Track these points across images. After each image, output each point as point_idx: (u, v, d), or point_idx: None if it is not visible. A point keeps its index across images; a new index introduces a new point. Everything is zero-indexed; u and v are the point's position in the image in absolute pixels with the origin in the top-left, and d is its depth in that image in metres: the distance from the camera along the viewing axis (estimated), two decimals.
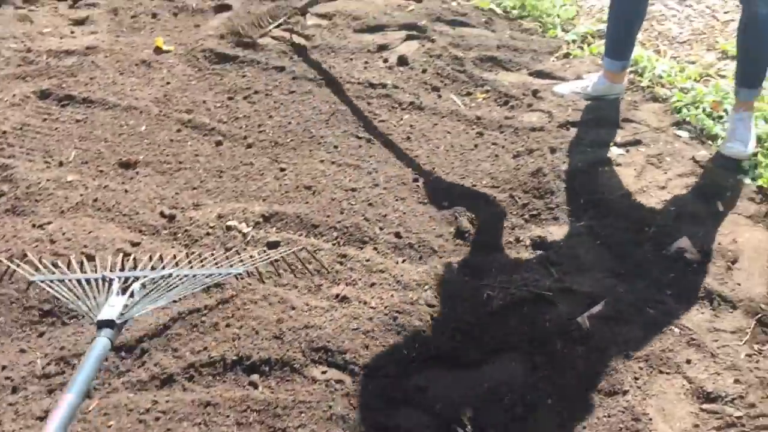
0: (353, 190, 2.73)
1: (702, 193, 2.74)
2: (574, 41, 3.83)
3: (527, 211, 2.67)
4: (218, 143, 3.01)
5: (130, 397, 1.94)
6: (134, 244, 2.41)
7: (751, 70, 2.87)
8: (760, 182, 2.76)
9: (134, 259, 2.16)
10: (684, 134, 3.08)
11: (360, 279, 2.34)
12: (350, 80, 3.44)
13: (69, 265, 1.94)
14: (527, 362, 2.07)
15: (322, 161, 2.89)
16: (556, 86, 3.40)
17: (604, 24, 3.83)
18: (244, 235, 2.49)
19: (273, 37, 3.78)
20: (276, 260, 2.17)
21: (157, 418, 1.88)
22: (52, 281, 1.79)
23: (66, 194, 2.66)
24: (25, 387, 1.98)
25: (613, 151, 2.96)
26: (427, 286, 2.30)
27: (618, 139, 3.04)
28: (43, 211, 2.58)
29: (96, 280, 1.77)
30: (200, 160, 2.90)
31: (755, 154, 2.87)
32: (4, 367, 2.03)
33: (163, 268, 1.86)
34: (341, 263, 2.39)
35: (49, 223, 2.51)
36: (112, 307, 1.62)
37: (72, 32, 3.84)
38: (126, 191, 2.70)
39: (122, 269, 1.94)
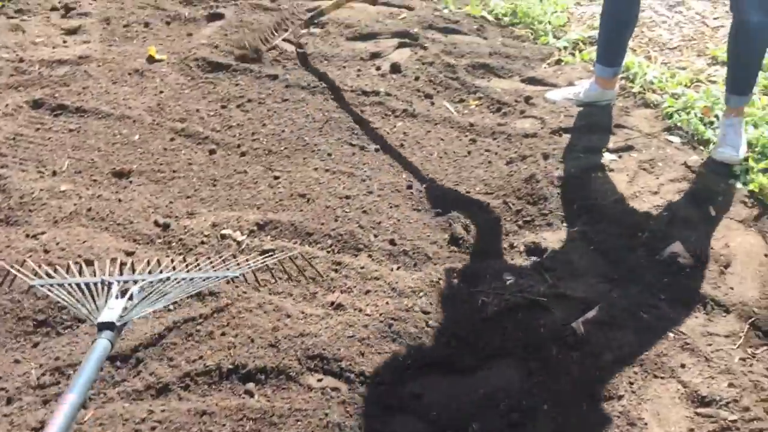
0: (347, 197, 2.73)
1: (694, 198, 2.76)
2: (565, 48, 3.86)
3: (521, 217, 2.68)
4: (212, 152, 3.01)
5: (126, 407, 1.93)
6: (129, 254, 2.41)
7: (741, 78, 2.89)
8: (751, 187, 2.78)
9: (132, 263, 2.18)
10: (675, 140, 3.10)
11: (355, 286, 2.34)
12: (343, 88, 3.45)
13: (68, 269, 1.96)
14: (522, 368, 2.08)
15: (316, 169, 2.90)
16: (548, 93, 3.42)
17: (595, 30, 3.86)
18: (239, 243, 2.49)
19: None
20: (273, 264, 2.17)
21: (153, 428, 1.88)
22: (52, 285, 1.81)
23: (60, 204, 2.65)
24: (20, 398, 1.97)
25: (606, 157, 2.98)
26: (422, 293, 2.31)
27: (610, 144, 3.06)
28: (36, 221, 2.58)
29: (95, 284, 1.79)
30: (194, 169, 2.91)
31: (746, 159, 2.89)
32: None
33: (161, 272, 1.88)
34: (336, 271, 2.40)
35: (43, 233, 2.50)
36: (111, 310, 1.63)
37: (64, 42, 3.84)
38: (120, 200, 2.70)
39: (121, 273, 1.95)
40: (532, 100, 3.37)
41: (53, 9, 4.16)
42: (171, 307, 2.20)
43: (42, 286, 1.82)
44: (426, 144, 3.08)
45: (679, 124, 3.17)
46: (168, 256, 2.39)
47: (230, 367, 2.04)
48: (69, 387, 1.40)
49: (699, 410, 1.98)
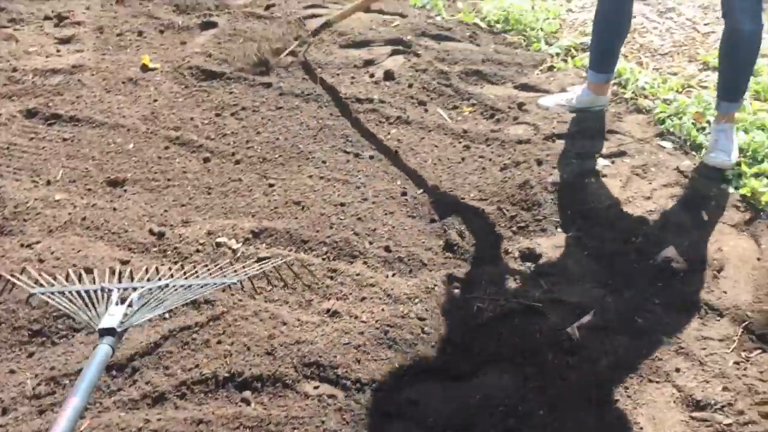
0: (342, 204, 2.74)
1: (687, 202, 2.77)
2: (557, 54, 3.88)
3: (515, 223, 2.69)
4: (206, 160, 3.01)
5: (122, 417, 1.93)
6: (124, 262, 2.41)
7: (732, 85, 2.91)
8: (743, 191, 2.80)
9: (131, 271, 2.20)
10: (668, 145, 3.12)
11: (350, 293, 2.34)
12: (337, 95, 3.45)
13: (68, 277, 1.98)
14: (518, 373, 2.08)
15: (310, 176, 2.91)
16: (541, 99, 3.44)
17: (586, 37, 3.89)
18: (234, 251, 2.49)
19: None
20: (269, 271, 2.19)
21: None
22: (52, 293, 1.83)
23: (54, 213, 2.65)
24: (16, 408, 1.97)
25: (599, 163, 3.00)
26: (417, 300, 2.31)
27: (603, 150, 3.08)
28: (31, 231, 2.57)
29: (95, 291, 1.82)
30: (188, 177, 2.91)
31: (738, 164, 2.91)
32: None
33: (159, 279, 1.90)
34: (331, 278, 2.40)
35: (38, 242, 2.50)
36: (112, 316, 1.67)
37: (58, 51, 3.84)
38: (114, 209, 2.70)
39: (120, 281, 1.97)
40: (525, 107, 3.38)
41: (46, 18, 4.17)
42: (166, 315, 2.21)
43: (43, 294, 1.84)
44: (420, 151, 3.10)
45: (671, 129, 3.19)
46: (163, 265, 2.39)
47: (226, 375, 2.04)
48: (72, 391, 1.44)
49: (694, 414, 1.99)
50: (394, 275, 2.43)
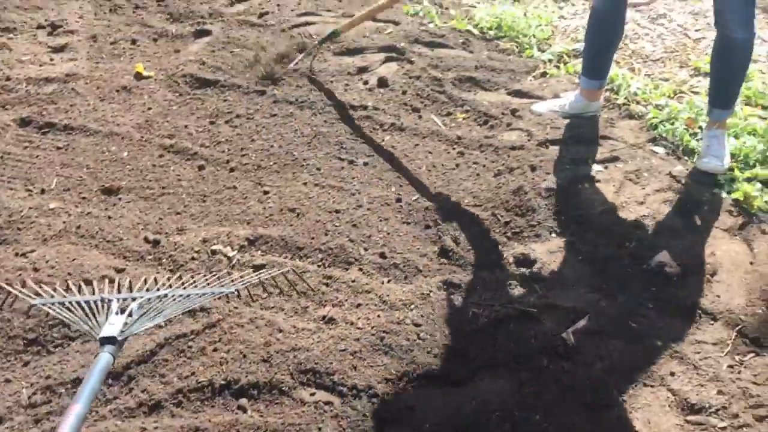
0: (337, 211, 2.75)
1: (680, 207, 2.79)
2: (550, 60, 3.90)
3: (509, 228, 2.70)
4: (201, 167, 3.01)
5: (118, 425, 1.93)
6: (119, 271, 2.41)
7: (724, 92, 2.93)
8: (736, 195, 2.82)
9: (130, 281, 2.22)
10: (660, 150, 3.14)
11: (346, 300, 2.35)
12: (332, 102, 3.46)
13: (67, 288, 2.00)
14: (514, 379, 2.09)
15: (305, 183, 2.91)
16: (534, 105, 3.46)
17: (579, 43, 3.91)
18: (230, 258, 2.49)
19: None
20: (266, 279, 2.19)
21: None
22: (53, 304, 1.85)
23: (48, 222, 2.65)
24: (11, 417, 1.96)
25: (592, 168, 3.01)
26: (413, 306, 2.32)
27: (596, 156, 3.09)
28: (25, 240, 2.57)
29: (95, 301, 1.84)
30: (183, 185, 2.91)
31: (731, 169, 2.93)
32: None
33: (158, 289, 1.93)
34: (327, 285, 2.41)
35: (32, 251, 2.50)
36: (112, 325, 1.69)
37: (51, 59, 3.84)
38: (109, 217, 2.70)
39: (119, 291, 1.99)
40: (518, 113, 3.40)
41: (39, 27, 4.16)
42: (162, 323, 2.20)
43: (44, 305, 1.86)
44: (414, 157, 3.11)
45: (663, 134, 3.21)
46: (159, 273, 2.39)
47: (223, 382, 2.04)
48: (74, 398, 1.45)
49: (689, 418, 2.00)
50: (389, 281, 2.44)
